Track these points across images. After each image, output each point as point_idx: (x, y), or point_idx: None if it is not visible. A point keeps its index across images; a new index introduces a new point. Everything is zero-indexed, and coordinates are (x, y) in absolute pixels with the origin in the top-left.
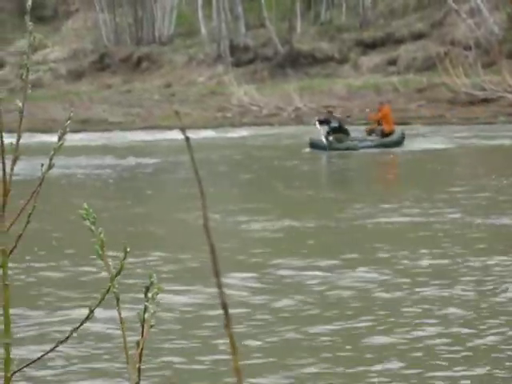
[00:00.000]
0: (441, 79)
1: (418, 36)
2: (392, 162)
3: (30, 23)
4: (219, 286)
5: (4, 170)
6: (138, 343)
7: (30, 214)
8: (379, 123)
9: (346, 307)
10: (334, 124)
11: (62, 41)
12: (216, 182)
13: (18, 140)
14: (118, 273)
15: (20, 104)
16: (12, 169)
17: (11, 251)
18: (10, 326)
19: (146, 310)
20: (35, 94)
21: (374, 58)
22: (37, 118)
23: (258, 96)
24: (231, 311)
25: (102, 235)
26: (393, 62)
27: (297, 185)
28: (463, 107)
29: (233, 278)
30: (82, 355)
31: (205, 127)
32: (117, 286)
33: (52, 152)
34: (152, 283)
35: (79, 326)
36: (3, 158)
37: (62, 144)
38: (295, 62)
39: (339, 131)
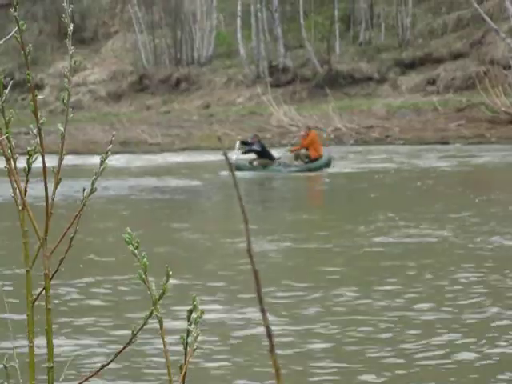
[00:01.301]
0: (480, 98)
1: (457, 55)
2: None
3: (72, 48)
4: (263, 311)
5: (46, 193)
6: (181, 367)
7: (72, 237)
8: (306, 148)
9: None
10: (257, 148)
11: (102, 62)
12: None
13: (60, 164)
14: (161, 296)
15: (62, 128)
16: (54, 193)
17: (53, 275)
18: (53, 350)
19: (188, 333)
20: (75, 116)
21: (414, 78)
22: (77, 139)
23: (297, 116)
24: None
25: (144, 259)
26: (432, 82)
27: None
28: (503, 126)
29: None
30: (126, 378)
31: None
32: (160, 309)
33: (94, 176)
34: (195, 307)
35: (122, 350)
36: (46, 182)
37: (103, 169)
38: (334, 82)
39: (263, 156)
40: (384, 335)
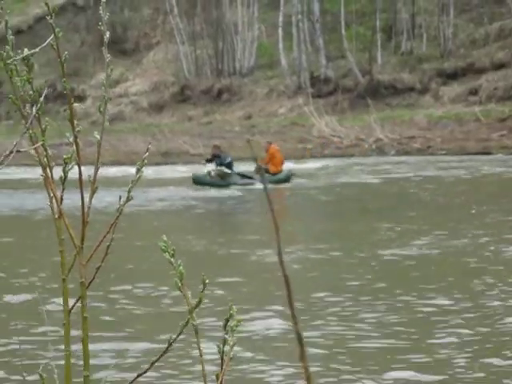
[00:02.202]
0: None
1: (500, 66)
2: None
3: (108, 55)
4: (294, 317)
5: (83, 202)
6: (217, 376)
7: (109, 245)
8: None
9: None
10: (228, 160)
11: (143, 73)
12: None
13: (96, 172)
14: (197, 305)
15: (98, 136)
16: (90, 201)
17: (89, 283)
18: (89, 359)
19: (225, 342)
20: (117, 127)
21: (455, 88)
22: (119, 150)
23: (338, 127)
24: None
25: (181, 267)
26: (474, 92)
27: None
28: None
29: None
30: None
31: (285, 159)
32: (196, 318)
33: (130, 185)
34: (231, 315)
35: (158, 358)
36: (82, 191)
37: (139, 177)
38: (376, 92)
39: (227, 167)
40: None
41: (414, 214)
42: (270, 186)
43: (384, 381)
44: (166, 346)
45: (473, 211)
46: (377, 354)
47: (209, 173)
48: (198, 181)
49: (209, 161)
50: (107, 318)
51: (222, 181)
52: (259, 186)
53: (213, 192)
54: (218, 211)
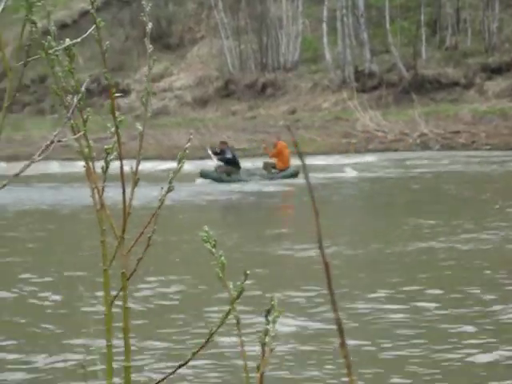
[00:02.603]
0: None
1: None
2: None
3: (151, 46)
4: (333, 303)
5: (124, 192)
6: (258, 367)
7: (150, 237)
8: (275, 157)
9: None
10: (228, 155)
11: (188, 68)
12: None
13: (138, 164)
14: (238, 296)
15: (140, 127)
16: (132, 192)
17: (131, 274)
18: (131, 350)
19: (266, 333)
20: (161, 122)
21: (500, 83)
22: (163, 145)
23: (383, 122)
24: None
25: (222, 258)
26: None
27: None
28: None
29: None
30: (202, 377)
31: (329, 153)
32: (237, 308)
33: (171, 175)
34: (273, 306)
35: (200, 349)
36: (123, 181)
37: (181, 167)
38: (420, 87)
39: (232, 164)
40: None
41: (447, 208)
42: (277, 181)
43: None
44: (206, 337)
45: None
46: (411, 351)
47: (216, 169)
48: (205, 175)
49: (215, 153)
50: (146, 309)
51: (227, 177)
52: (265, 182)
53: (249, 187)
54: (255, 205)
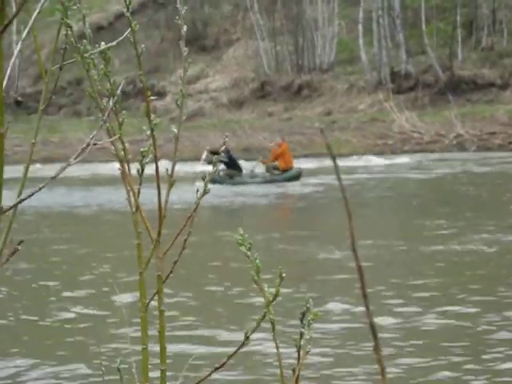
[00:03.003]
0: None
1: None
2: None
3: (186, 49)
4: (367, 307)
5: (159, 195)
6: (293, 370)
7: (186, 240)
8: (276, 159)
9: None
10: (223, 159)
11: (224, 70)
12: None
13: (174, 166)
14: (274, 299)
15: (175, 130)
16: (167, 195)
17: (167, 277)
18: (166, 352)
19: (301, 336)
20: (197, 123)
21: None
22: (199, 146)
23: (419, 123)
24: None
25: (257, 261)
26: None
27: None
28: None
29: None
30: (238, 380)
31: (365, 154)
32: (272, 311)
33: (206, 178)
34: (308, 309)
35: (235, 352)
36: (158, 184)
37: (215, 170)
38: (456, 88)
39: (231, 167)
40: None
41: (471, 210)
42: (280, 183)
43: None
44: (241, 339)
45: None
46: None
47: (218, 172)
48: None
49: (212, 153)
50: (180, 313)
51: (230, 179)
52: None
53: (252, 189)
54: (291, 207)
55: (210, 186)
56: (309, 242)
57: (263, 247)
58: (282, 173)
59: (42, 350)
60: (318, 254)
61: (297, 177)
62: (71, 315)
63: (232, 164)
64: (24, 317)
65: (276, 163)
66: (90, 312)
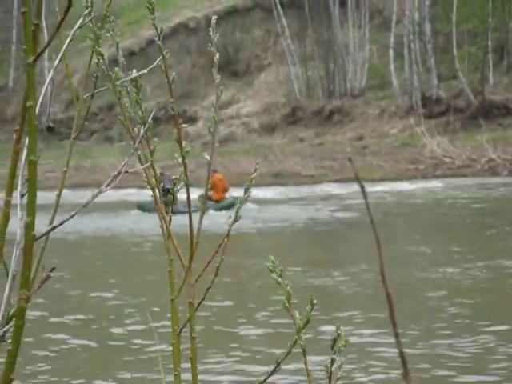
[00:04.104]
0: None
1: None
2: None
3: (218, 76)
4: (396, 335)
5: (191, 222)
6: None
7: (218, 266)
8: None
9: None
10: (167, 185)
11: (255, 95)
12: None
13: (206, 193)
14: (305, 325)
15: (208, 157)
16: (200, 221)
17: (199, 304)
18: (197, 378)
19: (332, 362)
20: (229, 149)
21: None
22: (231, 172)
23: (450, 147)
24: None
25: (288, 288)
26: None
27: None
28: None
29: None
30: None
31: (397, 179)
32: (303, 338)
33: (238, 205)
34: (339, 336)
35: (266, 379)
36: (190, 211)
37: (247, 197)
38: (488, 113)
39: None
40: None
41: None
42: (213, 212)
43: None
44: (273, 366)
45: None
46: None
47: (151, 201)
48: (141, 208)
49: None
50: (212, 339)
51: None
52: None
53: (326, 213)
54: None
55: (145, 214)
56: (329, 269)
57: (291, 276)
58: (215, 203)
59: (67, 374)
60: (339, 279)
61: (229, 206)
62: (102, 339)
63: (166, 193)
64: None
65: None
66: (125, 333)
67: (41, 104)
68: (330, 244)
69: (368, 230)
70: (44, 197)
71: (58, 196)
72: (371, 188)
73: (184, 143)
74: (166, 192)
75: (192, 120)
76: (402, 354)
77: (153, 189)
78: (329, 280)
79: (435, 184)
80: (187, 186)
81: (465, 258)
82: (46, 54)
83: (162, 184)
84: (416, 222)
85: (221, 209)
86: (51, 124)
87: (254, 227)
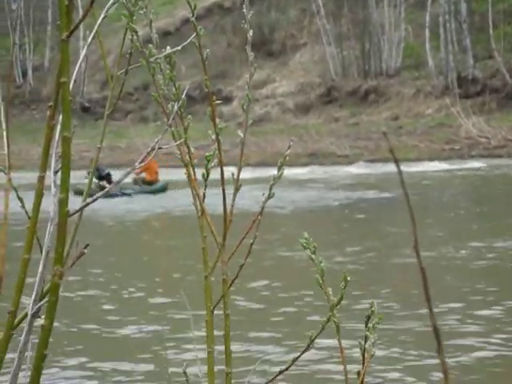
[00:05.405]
0: None
1: None
2: None
3: (252, 54)
4: (430, 309)
5: (225, 200)
6: (358, 373)
7: (252, 244)
8: (144, 171)
9: None
10: (105, 172)
11: (290, 75)
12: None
13: (240, 170)
14: (338, 302)
15: (241, 134)
16: (233, 199)
17: (232, 281)
18: (231, 356)
19: (366, 339)
20: (264, 129)
21: None
22: (266, 151)
23: (486, 128)
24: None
25: (322, 264)
26: None
27: None
28: None
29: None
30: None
31: (432, 159)
32: (337, 315)
33: (272, 182)
34: (373, 312)
35: (300, 355)
36: (224, 189)
37: (281, 174)
38: None
39: (102, 179)
40: None
41: None
42: (147, 194)
43: None
44: (306, 342)
45: None
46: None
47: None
48: (78, 192)
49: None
50: (245, 317)
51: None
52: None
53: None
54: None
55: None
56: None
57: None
58: (149, 184)
59: (106, 351)
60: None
61: (163, 189)
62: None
63: (106, 177)
64: (103, 318)
65: (143, 175)
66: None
67: (75, 81)
68: (364, 224)
69: (403, 210)
70: (77, 176)
71: (92, 173)
72: (406, 168)
73: (218, 120)
74: (103, 177)
75: (227, 100)
76: (435, 329)
77: (186, 166)
78: (360, 260)
79: (471, 164)
80: (221, 164)
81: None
82: (80, 34)
83: (97, 172)
84: (452, 201)
85: (154, 191)
86: (86, 104)
87: (287, 206)
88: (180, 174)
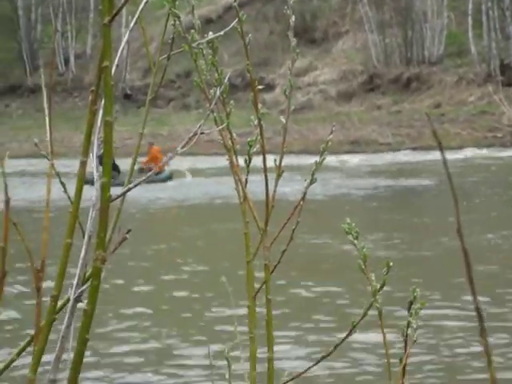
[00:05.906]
0: None
1: None
2: None
3: (294, 39)
4: (473, 292)
5: (267, 185)
6: (400, 359)
7: (294, 229)
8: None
9: None
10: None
11: (332, 62)
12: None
13: (282, 156)
14: (381, 287)
15: (284, 120)
16: (275, 185)
17: (275, 267)
18: (273, 341)
19: (408, 325)
20: (306, 116)
21: None
22: (308, 139)
23: None
24: None
25: (364, 250)
26: None
27: None
28: None
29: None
30: (345, 369)
31: (475, 147)
32: (379, 300)
33: (314, 167)
34: (415, 298)
35: (342, 341)
36: (266, 174)
37: (323, 160)
38: None
39: (113, 169)
40: None
41: None
42: (153, 183)
43: None
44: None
45: None
46: None
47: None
48: (86, 182)
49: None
50: (284, 304)
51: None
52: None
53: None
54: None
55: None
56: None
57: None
58: (156, 174)
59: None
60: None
61: (169, 178)
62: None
63: (113, 167)
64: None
65: (150, 165)
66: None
67: (117, 65)
68: (407, 211)
69: (445, 198)
70: (121, 162)
71: (134, 159)
72: (449, 156)
73: (260, 106)
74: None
75: (269, 88)
76: (478, 311)
77: (229, 151)
78: (403, 247)
79: None
80: (263, 149)
81: None
82: (123, 20)
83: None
84: (495, 188)
85: (162, 180)
86: (128, 90)
87: (331, 194)
88: (188, 163)
